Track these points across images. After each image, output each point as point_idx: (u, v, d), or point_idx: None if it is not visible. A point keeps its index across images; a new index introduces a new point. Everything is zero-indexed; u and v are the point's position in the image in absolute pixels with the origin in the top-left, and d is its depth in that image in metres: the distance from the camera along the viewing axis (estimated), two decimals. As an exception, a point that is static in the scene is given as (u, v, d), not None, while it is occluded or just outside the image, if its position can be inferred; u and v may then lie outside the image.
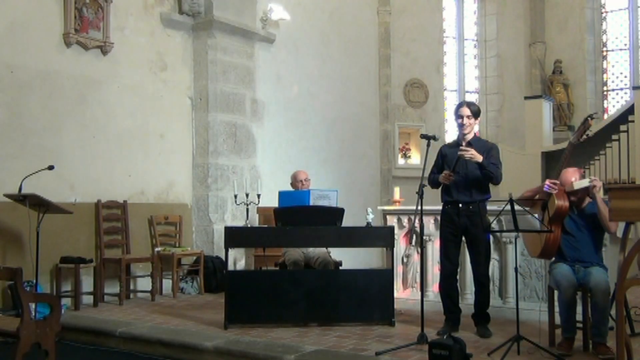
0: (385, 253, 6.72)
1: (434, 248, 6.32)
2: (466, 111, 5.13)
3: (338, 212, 5.59)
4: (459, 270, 5.49)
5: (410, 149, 11.80)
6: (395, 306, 5.68)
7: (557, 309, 4.70)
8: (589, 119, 4.97)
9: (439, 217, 6.20)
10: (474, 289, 5.41)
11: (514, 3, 12.91)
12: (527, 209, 4.73)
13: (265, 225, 7.16)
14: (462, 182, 5.09)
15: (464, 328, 5.23)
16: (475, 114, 5.17)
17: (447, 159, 5.24)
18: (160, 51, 7.75)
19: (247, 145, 8.42)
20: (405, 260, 6.58)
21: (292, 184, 6.37)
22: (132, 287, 7.29)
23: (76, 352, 5.17)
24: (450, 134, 12.44)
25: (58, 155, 6.62)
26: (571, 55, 12.63)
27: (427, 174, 5.13)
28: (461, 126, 5.15)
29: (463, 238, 5.25)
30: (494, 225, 5.45)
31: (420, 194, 4.84)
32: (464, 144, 5.18)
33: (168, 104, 7.82)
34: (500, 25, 12.90)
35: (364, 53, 11.03)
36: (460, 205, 5.10)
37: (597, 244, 4.66)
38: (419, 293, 5.24)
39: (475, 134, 5.33)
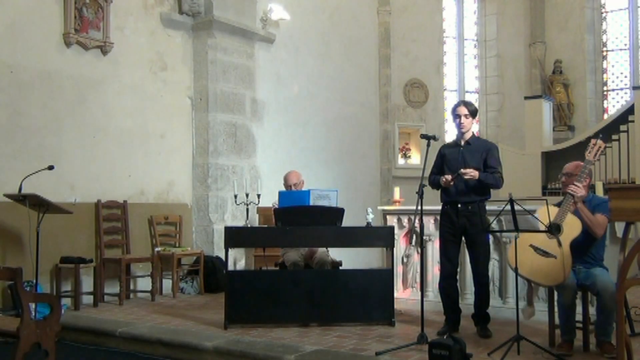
0: (385, 253, 6.71)
1: (434, 248, 6.32)
2: (464, 110, 5.15)
3: (338, 212, 5.59)
4: (458, 270, 5.49)
5: (410, 149, 11.80)
6: (395, 306, 5.69)
7: (557, 309, 4.70)
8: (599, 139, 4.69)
9: (439, 217, 6.21)
10: (474, 289, 5.41)
11: (514, 3, 12.91)
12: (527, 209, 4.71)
13: (265, 225, 7.15)
14: (462, 183, 5.08)
15: (464, 328, 5.23)
16: (473, 113, 5.18)
17: (446, 158, 5.25)
18: (160, 51, 7.75)
19: (247, 145, 8.42)
20: (405, 260, 6.57)
21: (284, 185, 6.35)
22: (132, 287, 7.29)
23: (76, 352, 5.17)
24: (450, 134, 12.43)
25: (58, 155, 6.62)
26: (571, 55, 12.63)
27: (427, 174, 5.13)
28: (459, 125, 5.17)
29: (462, 238, 5.25)
30: (494, 225, 5.45)
31: (420, 194, 4.84)
32: (462, 143, 5.19)
33: (168, 104, 7.82)
34: (500, 25, 12.91)
35: (364, 53, 11.03)
36: (459, 205, 5.10)
37: (600, 242, 4.64)
38: (419, 293, 5.23)
39: (474, 133, 5.33)
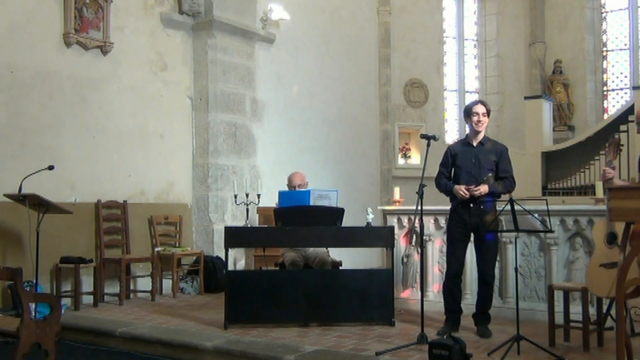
0: (385, 253, 6.71)
1: (434, 248, 6.33)
2: (482, 109, 5.15)
3: (338, 212, 5.59)
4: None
5: (410, 149, 11.80)
6: (395, 306, 5.68)
7: (557, 308, 4.70)
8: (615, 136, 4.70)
9: (439, 217, 6.21)
10: (474, 289, 5.41)
11: (514, 3, 12.92)
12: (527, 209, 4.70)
13: (265, 225, 7.15)
14: (474, 183, 5.06)
15: (464, 328, 5.23)
16: (488, 112, 5.21)
17: (457, 158, 5.20)
18: (160, 51, 7.75)
19: (247, 145, 8.42)
20: (405, 260, 6.57)
21: (287, 186, 6.35)
22: (132, 287, 7.28)
23: (76, 352, 5.17)
24: (450, 134, 12.45)
25: (58, 155, 6.62)
26: (571, 55, 12.63)
27: (427, 174, 5.07)
28: (477, 123, 5.13)
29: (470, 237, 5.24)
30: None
31: (420, 194, 4.84)
32: (475, 143, 5.16)
33: (168, 104, 7.82)
34: (500, 25, 12.91)
35: (364, 53, 11.02)
36: (472, 205, 5.08)
37: None
38: (419, 293, 5.24)
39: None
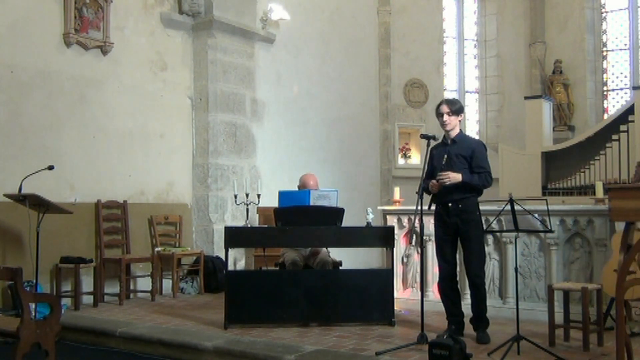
0: (385, 253, 6.71)
1: (434, 248, 6.31)
2: (445, 108, 5.12)
3: (338, 212, 5.59)
4: (458, 270, 5.45)
5: (410, 149, 11.80)
6: (395, 306, 5.68)
7: (557, 308, 4.69)
8: None
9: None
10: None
11: (514, 3, 12.91)
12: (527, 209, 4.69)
13: (265, 225, 7.15)
14: (449, 184, 5.04)
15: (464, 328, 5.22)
16: (456, 111, 5.14)
17: (434, 159, 5.20)
18: (160, 51, 7.75)
19: (247, 145, 8.42)
20: (405, 260, 6.57)
21: (299, 187, 6.31)
22: (132, 287, 7.29)
23: (76, 352, 5.17)
24: (450, 134, 12.43)
25: (58, 155, 6.62)
26: (571, 55, 12.63)
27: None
28: (442, 124, 5.15)
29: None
30: (494, 225, 5.44)
31: (420, 194, 4.84)
32: (449, 142, 5.16)
33: (168, 104, 7.82)
34: (500, 25, 12.91)
35: (364, 53, 11.02)
36: (450, 204, 5.05)
37: None
38: (419, 293, 5.23)
39: (461, 130, 5.24)
